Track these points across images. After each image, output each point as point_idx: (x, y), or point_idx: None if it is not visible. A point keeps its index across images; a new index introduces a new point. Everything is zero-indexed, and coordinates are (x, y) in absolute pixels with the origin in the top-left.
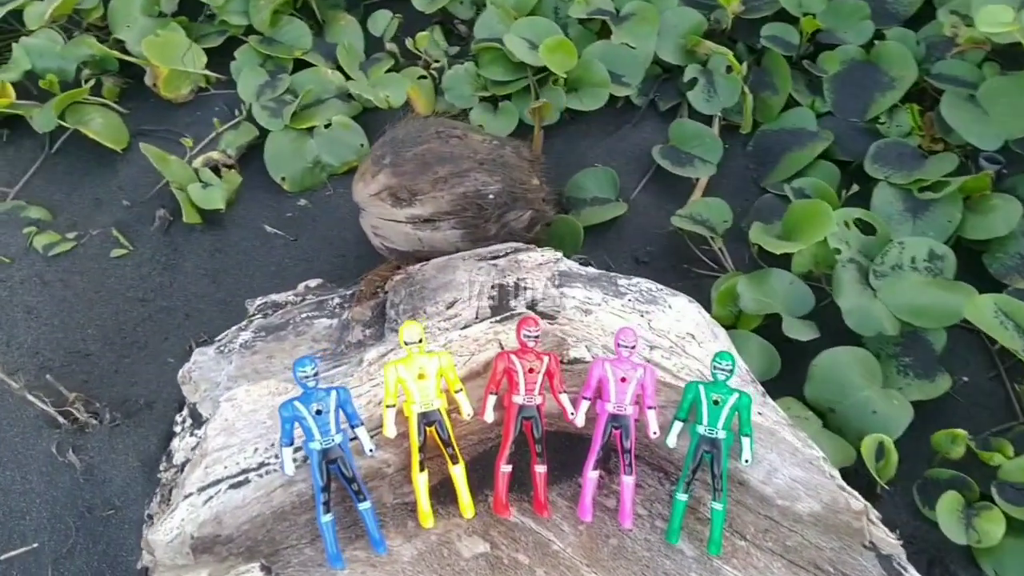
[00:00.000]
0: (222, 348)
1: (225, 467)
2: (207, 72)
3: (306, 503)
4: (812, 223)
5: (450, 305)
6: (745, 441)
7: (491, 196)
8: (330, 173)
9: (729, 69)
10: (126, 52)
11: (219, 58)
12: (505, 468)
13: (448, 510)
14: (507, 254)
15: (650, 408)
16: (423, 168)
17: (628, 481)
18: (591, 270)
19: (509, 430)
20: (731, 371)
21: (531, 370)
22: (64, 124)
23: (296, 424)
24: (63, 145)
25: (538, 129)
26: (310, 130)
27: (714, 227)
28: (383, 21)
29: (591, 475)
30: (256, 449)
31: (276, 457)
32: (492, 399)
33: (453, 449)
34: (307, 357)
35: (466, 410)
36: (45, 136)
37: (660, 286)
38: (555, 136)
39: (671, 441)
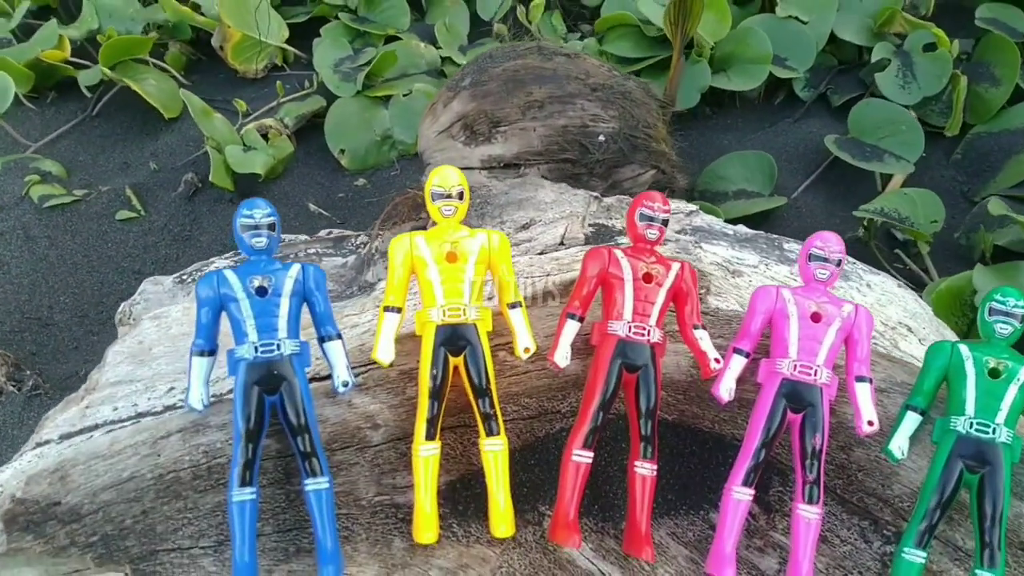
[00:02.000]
0: (183, 278)
1: (116, 408)
2: (285, 46)
3: (218, 473)
4: None
5: (524, 226)
6: None
7: (602, 137)
8: (400, 152)
9: (932, 47)
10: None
11: (304, 39)
12: (581, 457)
13: (468, 527)
14: (615, 195)
15: (863, 380)
16: (513, 87)
17: (807, 516)
18: (742, 228)
19: (596, 386)
20: (1022, 318)
21: (648, 277)
22: (109, 77)
23: (222, 315)
24: (107, 110)
25: (677, 58)
26: (386, 100)
27: (919, 227)
28: (495, 0)
29: (737, 498)
30: (172, 388)
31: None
32: (571, 328)
33: (492, 408)
34: (260, 199)
35: (523, 341)
36: (91, 100)
37: (851, 259)
38: (689, 129)
39: (897, 449)
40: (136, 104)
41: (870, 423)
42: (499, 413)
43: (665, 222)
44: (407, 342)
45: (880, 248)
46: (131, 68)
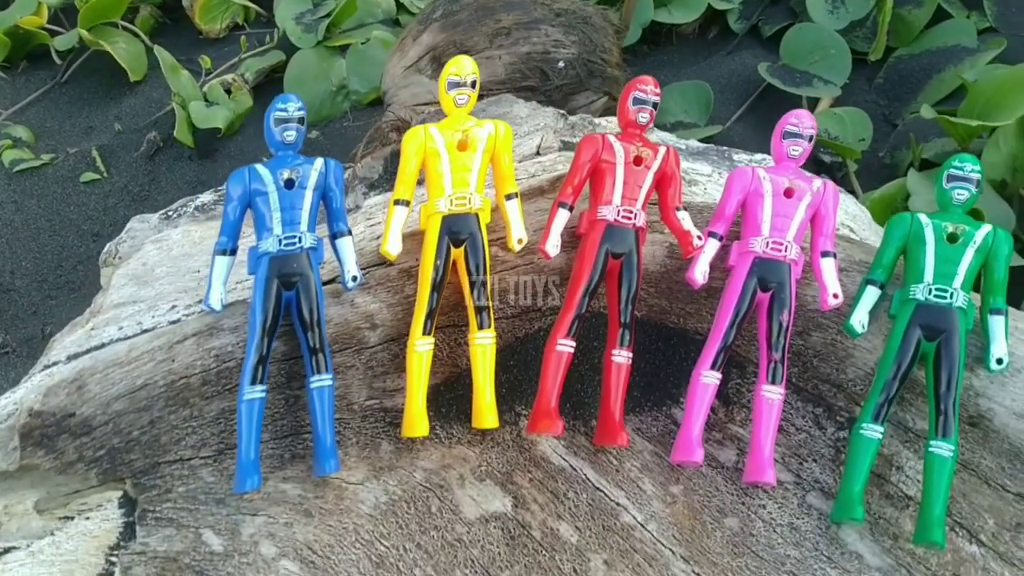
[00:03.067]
0: (169, 214)
1: (121, 327)
2: (248, 4)
3: (226, 378)
4: (1013, 96)
5: None
6: (997, 322)
7: (562, 63)
8: (354, 102)
9: None
10: None
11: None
12: (563, 346)
13: (450, 429)
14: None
15: (827, 255)
16: (482, 15)
17: (771, 397)
18: (695, 143)
19: (582, 273)
20: (978, 184)
21: (638, 160)
22: (87, 40)
23: (248, 212)
24: (75, 77)
25: None
26: (343, 50)
27: (848, 146)
28: None
29: (705, 382)
30: (174, 306)
31: (203, 309)
32: (562, 218)
33: (486, 301)
34: (292, 95)
35: (516, 231)
36: (60, 67)
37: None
38: (632, 66)
39: (857, 324)
40: (103, 69)
41: (835, 296)
42: (491, 306)
43: (655, 105)
44: (406, 241)
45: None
46: (103, 32)
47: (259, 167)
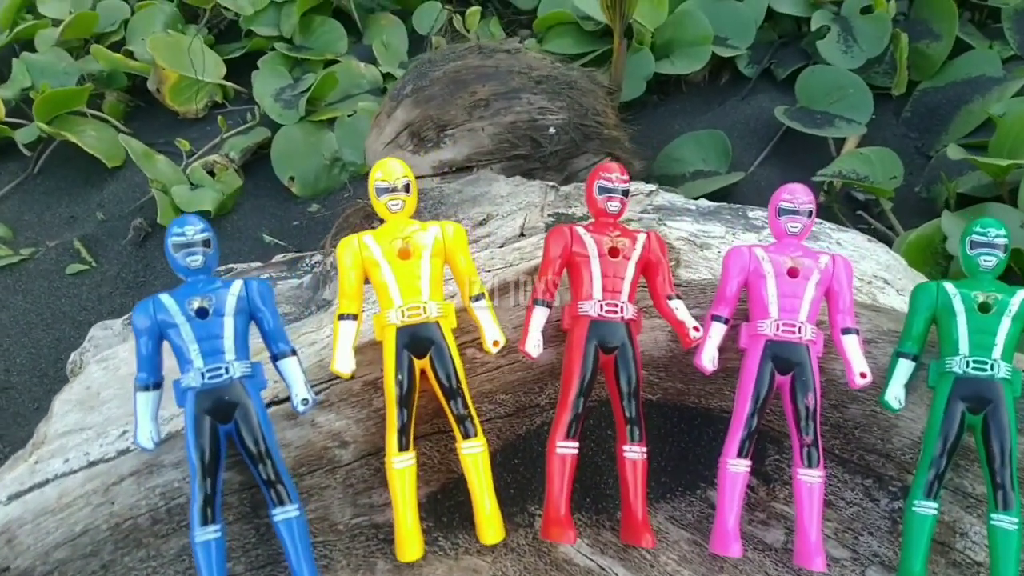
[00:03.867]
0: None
1: (67, 460)
2: (224, 83)
3: (179, 515)
4: None
5: (482, 222)
6: None
7: (552, 129)
8: (351, 173)
9: (869, 9)
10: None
11: (243, 75)
12: (565, 448)
13: (455, 539)
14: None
15: (849, 332)
16: (456, 88)
17: (809, 480)
18: (704, 202)
19: (573, 373)
20: (1005, 248)
21: (614, 252)
22: (47, 132)
23: (163, 342)
24: (48, 166)
25: (619, 41)
26: (331, 123)
27: (879, 184)
28: (430, 14)
29: (733, 471)
30: (125, 432)
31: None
32: (540, 315)
33: (466, 409)
34: (193, 215)
35: (490, 334)
36: (31, 159)
37: (818, 219)
38: (639, 118)
39: (893, 399)
40: (78, 157)
41: (862, 375)
42: (474, 413)
43: (626, 193)
44: (368, 351)
45: (843, 211)
46: (69, 121)
47: (164, 297)
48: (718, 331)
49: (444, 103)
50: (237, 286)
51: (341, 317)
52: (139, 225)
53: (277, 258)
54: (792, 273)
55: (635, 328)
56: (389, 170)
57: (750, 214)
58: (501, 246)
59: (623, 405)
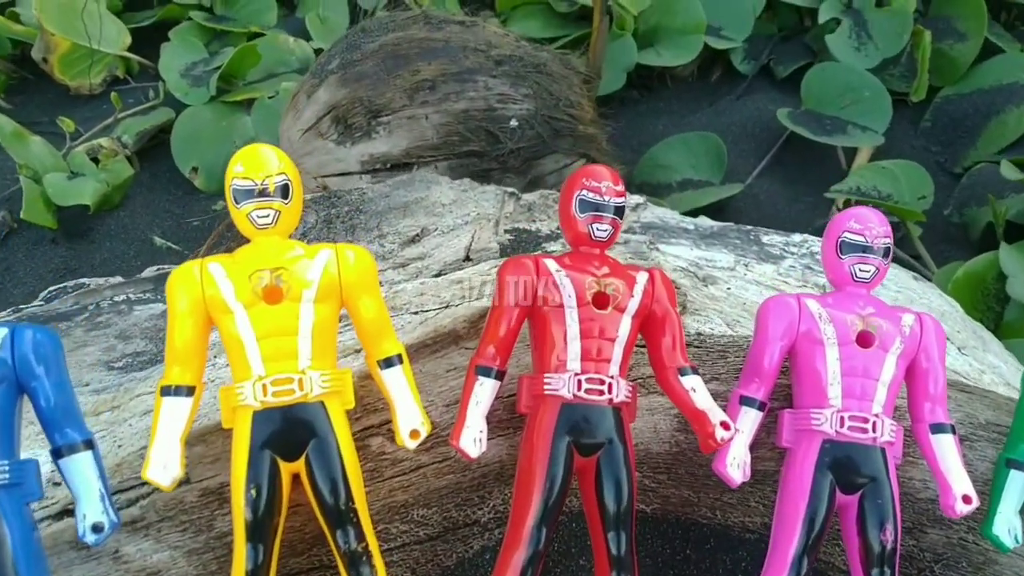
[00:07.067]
0: (21, 308)
1: None
2: (127, 54)
3: None
4: None
5: (413, 239)
6: None
7: (514, 122)
8: None
9: (882, 2)
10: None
11: (152, 47)
12: None
13: None
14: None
15: (942, 429)
16: (394, 65)
17: None
18: (705, 221)
19: (533, 485)
20: None
21: (600, 299)
22: None
23: None
24: None
25: (599, 19)
26: (248, 106)
27: (905, 205)
28: None
29: None
30: None
31: None
32: (485, 391)
33: (359, 542)
34: None
35: (407, 418)
36: None
37: None
38: (617, 116)
39: (1006, 533)
40: None
41: (966, 499)
42: (374, 547)
43: (619, 211)
44: (216, 438)
45: None
46: None
47: None
48: (750, 421)
49: (378, 82)
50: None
51: (166, 391)
52: (3, 219)
53: (147, 272)
54: (864, 340)
55: (628, 415)
56: (255, 162)
57: (764, 238)
58: (437, 274)
59: (607, 537)
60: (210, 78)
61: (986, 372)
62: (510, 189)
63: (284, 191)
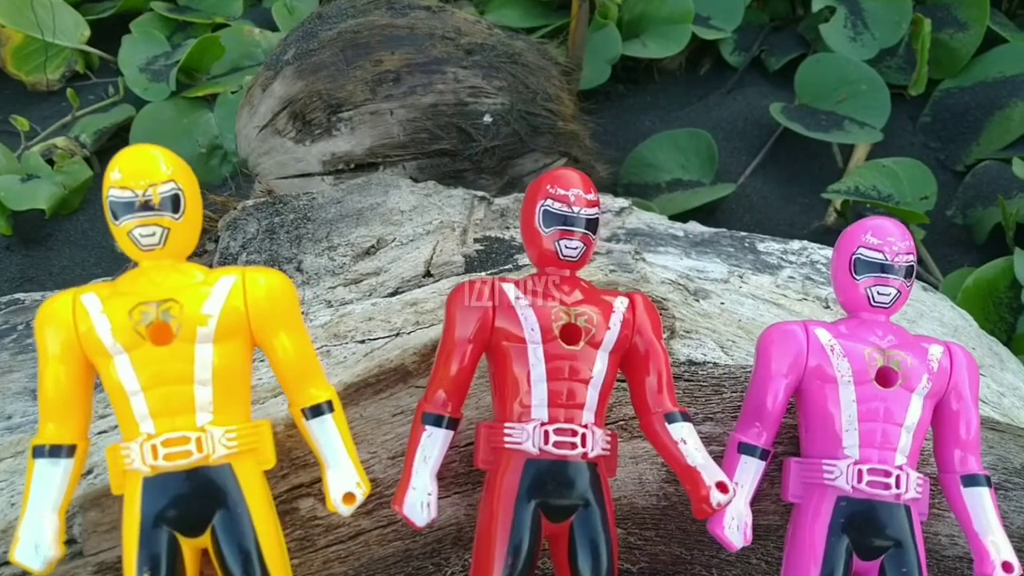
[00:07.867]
0: None
1: None
2: (86, 48)
3: None
4: None
5: (367, 251)
6: None
7: (488, 118)
8: (235, 165)
9: None
10: None
11: (114, 41)
12: None
13: None
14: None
15: (976, 482)
16: (353, 54)
17: None
18: (696, 226)
19: (493, 557)
20: None
21: (571, 332)
22: None
23: None
24: None
25: (577, 5)
26: (212, 100)
27: (907, 206)
28: None
29: None
30: None
31: None
32: (434, 443)
33: None
34: None
35: (340, 479)
36: None
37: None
38: (601, 112)
39: None
40: None
41: (1007, 566)
42: None
43: (592, 224)
44: (111, 503)
45: None
46: None
47: None
48: (750, 473)
49: (337, 75)
50: None
51: (38, 453)
52: None
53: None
54: (884, 378)
55: (606, 470)
56: (135, 167)
57: (760, 246)
58: (392, 294)
59: None
60: (170, 72)
61: (1006, 394)
62: (480, 193)
63: (174, 203)
